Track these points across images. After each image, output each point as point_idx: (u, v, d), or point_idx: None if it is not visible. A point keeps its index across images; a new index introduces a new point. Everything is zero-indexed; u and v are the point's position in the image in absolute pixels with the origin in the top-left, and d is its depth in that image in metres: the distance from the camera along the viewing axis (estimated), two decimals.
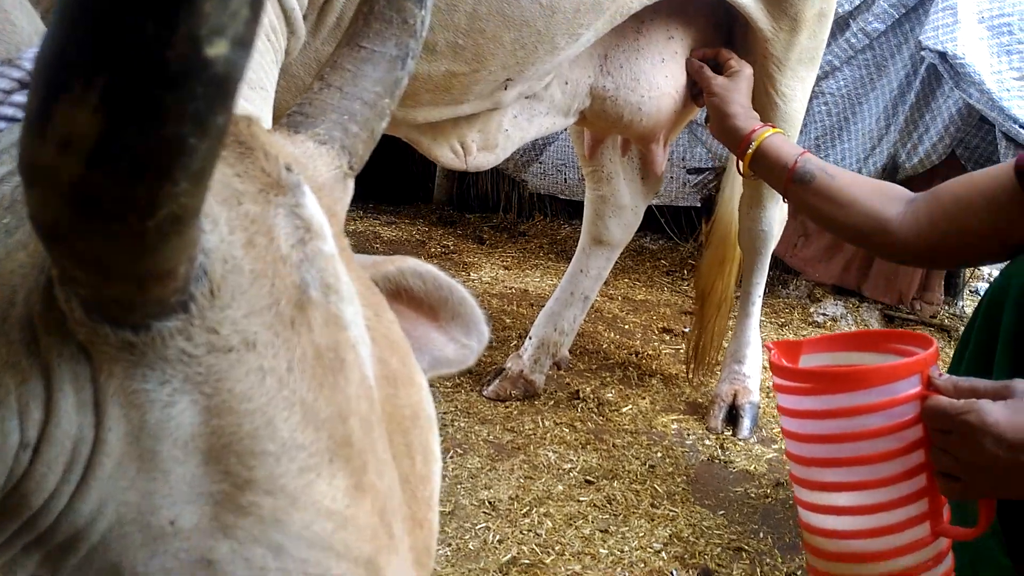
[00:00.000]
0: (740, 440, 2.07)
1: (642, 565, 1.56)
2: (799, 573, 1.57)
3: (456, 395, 2.20)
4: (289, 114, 0.62)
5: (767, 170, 1.43)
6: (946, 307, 3.12)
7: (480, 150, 1.40)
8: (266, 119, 0.96)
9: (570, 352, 2.41)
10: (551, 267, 3.48)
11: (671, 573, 1.55)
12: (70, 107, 0.30)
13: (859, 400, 0.94)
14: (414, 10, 0.66)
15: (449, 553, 1.55)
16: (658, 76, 1.58)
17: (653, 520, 1.71)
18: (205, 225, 0.42)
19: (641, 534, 1.66)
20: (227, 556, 0.42)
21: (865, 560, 0.99)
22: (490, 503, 1.72)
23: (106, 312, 0.38)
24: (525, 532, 1.63)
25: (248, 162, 0.49)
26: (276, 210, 0.48)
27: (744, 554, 1.63)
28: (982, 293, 3.37)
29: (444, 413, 2.10)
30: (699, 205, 3.54)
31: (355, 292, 0.54)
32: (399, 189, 4.43)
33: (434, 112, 1.19)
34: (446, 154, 1.36)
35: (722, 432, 2.10)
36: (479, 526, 1.64)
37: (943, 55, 2.61)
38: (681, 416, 2.18)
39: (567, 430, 2.05)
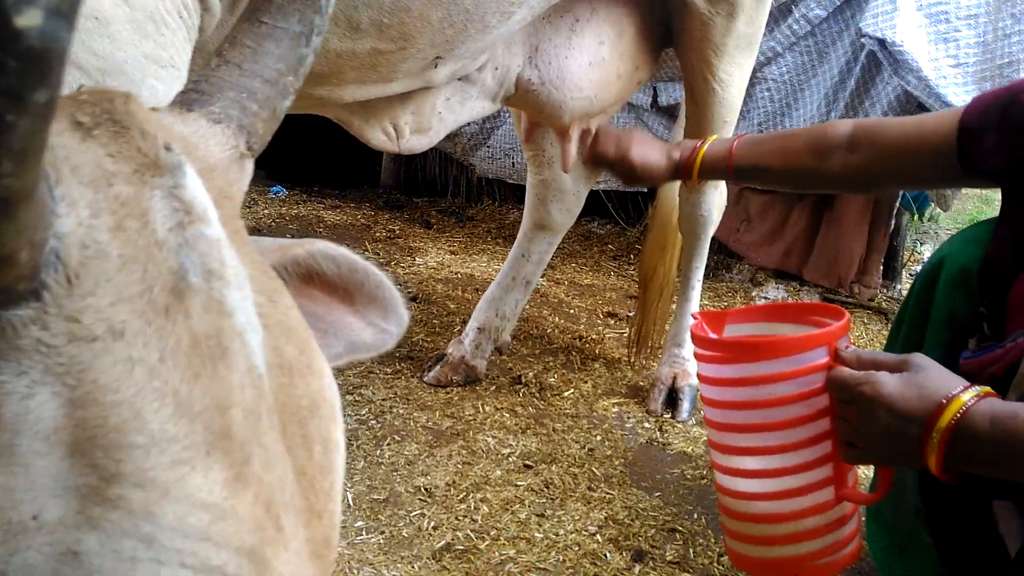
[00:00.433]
0: (679, 422, 2.10)
1: (576, 548, 1.57)
2: None
3: (396, 381, 2.18)
4: (182, 92, 0.59)
5: (716, 179, 1.46)
6: (884, 290, 3.19)
7: (413, 132, 1.38)
8: None
9: (514, 337, 2.41)
10: (498, 252, 3.47)
11: (605, 555, 1.56)
12: None
13: (770, 369, 0.98)
14: None
15: (382, 541, 1.54)
16: (583, 79, 1.59)
17: (589, 503, 1.72)
18: (59, 208, 0.39)
19: (577, 517, 1.67)
20: (94, 548, 0.40)
21: (771, 521, 1.04)
22: (426, 490, 1.71)
23: None
24: (460, 518, 1.63)
25: (122, 141, 0.47)
26: (152, 192, 0.46)
27: (678, 535, 1.65)
28: None
29: (383, 400, 2.08)
30: (645, 190, 3.55)
31: (245, 277, 0.52)
32: (344, 172, 4.36)
33: (361, 91, 1.17)
34: (378, 136, 1.34)
35: (662, 415, 2.12)
36: (414, 513, 1.63)
37: (882, 42, 2.65)
38: (622, 399, 2.19)
39: (507, 415, 2.05)
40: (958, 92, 2.54)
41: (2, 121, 0.29)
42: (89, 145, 0.45)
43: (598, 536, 1.61)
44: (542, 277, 2.90)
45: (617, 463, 1.89)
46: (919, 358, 0.93)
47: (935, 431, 0.88)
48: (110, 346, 0.41)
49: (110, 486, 0.41)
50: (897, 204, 3.05)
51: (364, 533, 1.57)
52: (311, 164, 4.36)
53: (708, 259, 2.33)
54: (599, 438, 1.99)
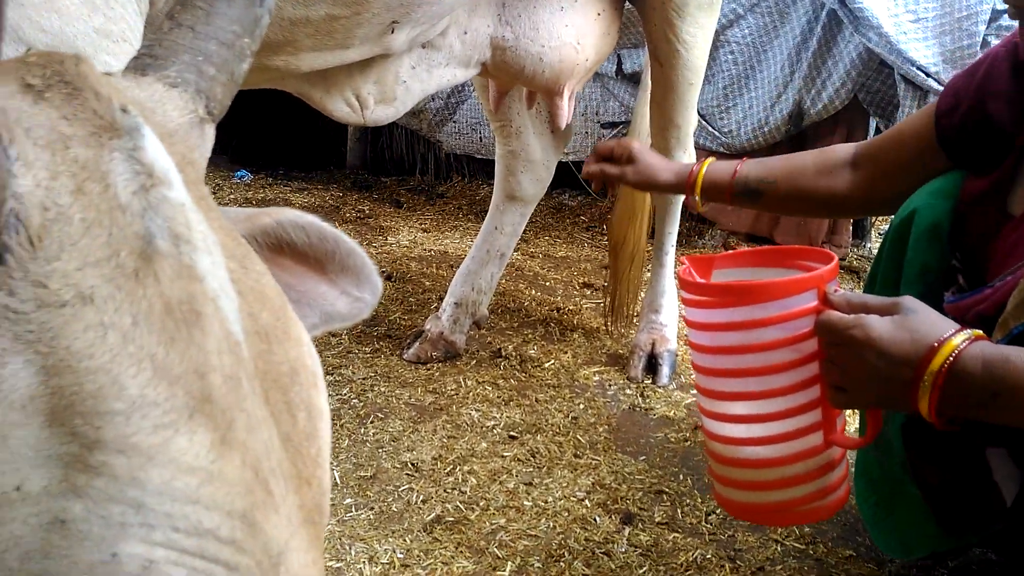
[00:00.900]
0: (660, 388, 2.11)
1: (566, 514, 1.58)
2: (717, 512, 1.61)
3: (376, 360, 2.17)
4: (135, 57, 0.57)
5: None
6: (854, 249, 3.22)
7: (378, 103, 1.36)
8: None
9: (492, 311, 2.40)
10: (471, 228, 3.45)
11: (594, 520, 1.57)
12: None
13: (758, 313, 0.97)
14: None
15: (372, 516, 1.54)
16: (558, 25, 1.55)
17: (576, 470, 1.73)
18: (14, 168, 0.38)
19: (564, 484, 1.67)
20: (81, 515, 0.39)
21: (759, 466, 1.04)
22: (413, 464, 1.71)
23: None
24: (449, 491, 1.63)
25: (76, 104, 0.45)
26: (111, 155, 0.45)
27: (665, 496, 1.66)
28: None
29: (364, 378, 2.07)
30: None
31: (215, 243, 0.51)
32: (310, 154, 4.31)
33: (319, 59, 1.15)
34: (340, 107, 1.31)
35: (642, 381, 2.13)
36: (402, 488, 1.63)
37: (842, 0, 2.66)
38: (603, 368, 2.20)
39: (490, 388, 2.05)
40: (919, 47, 2.56)
41: None
42: (42, 108, 0.44)
43: (586, 501, 1.62)
44: (516, 251, 2.90)
45: (601, 430, 1.90)
46: (910, 300, 0.92)
47: (927, 374, 0.87)
48: (80, 312, 0.40)
49: (92, 453, 0.40)
50: None
51: (354, 510, 1.57)
52: (275, 147, 4.31)
53: (680, 225, 2.34)
54: (582, 406, 2.00)
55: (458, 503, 1.59)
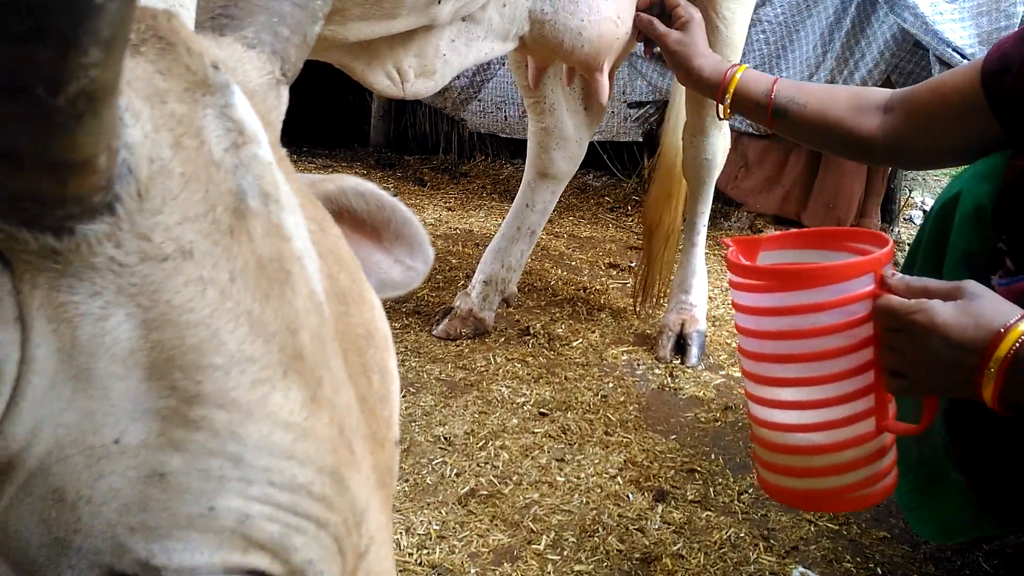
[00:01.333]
0: (688, 368, 2.10)
1: (599, 490, 1.59)
2: (750, 491, 1.61)
3: (405, 335, 2.18)
4: (213, 16, 0.57)
5: (746, 111, 1.42)
6: (883, 232, 3.19)
7: (418, 76, 1.35)
8: None
9: (518, 290, 2.40)
10: (495, 207, 3.45)
11: (627, 496, 1.57)
12: None
13: (812, 298, 0.95)
14: None
15: (407, 488, 1.55)
16: None
17: (607, 447, 1.73)
18: (126, 117, 0.38)
19: (596, 461, 1.68)
20: (181, 468, 0.40)
21: (810, 453, 1.02)
22: (445, 439, 1.71)
23: (23, 212, 0.35)
24: (482, 465, 1.64)
25: (170, 59, 0.45)
26: (204, 111, 0.45)
27: (697, 475, 1.66)
28: (916, 220, 3.45)
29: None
30: (641, 140, 3.53)
31: (297, 204, 0.51)
32: (333, 131, 4.31)
33: (366, 28, 1.14)
34: (382, 80, 1.31)
35: (671, 361, 2.13)
36: (436, 461, 1.64)
37: None
38: (631, 347, 2.20)
39: (519, 365, 2.05)
40: (955, 28, 2.52)
41: (90, 3, 0.27)
42: (138, 62, 0.44)
43: (619, 478, 1.63)
44: (541, 231, 2.89)
45: (631, 408, 1.90)
46: (973, 285, 0.90)
47: (992, 361, 0.85)
48: (181, 266, 0.40)
49: (192, 407, 0.40)
50: None
51: None
52: (299, 124, 4.30)
53: None
54: (611, 385, 2.00)
55: (491, 477, 1.60)
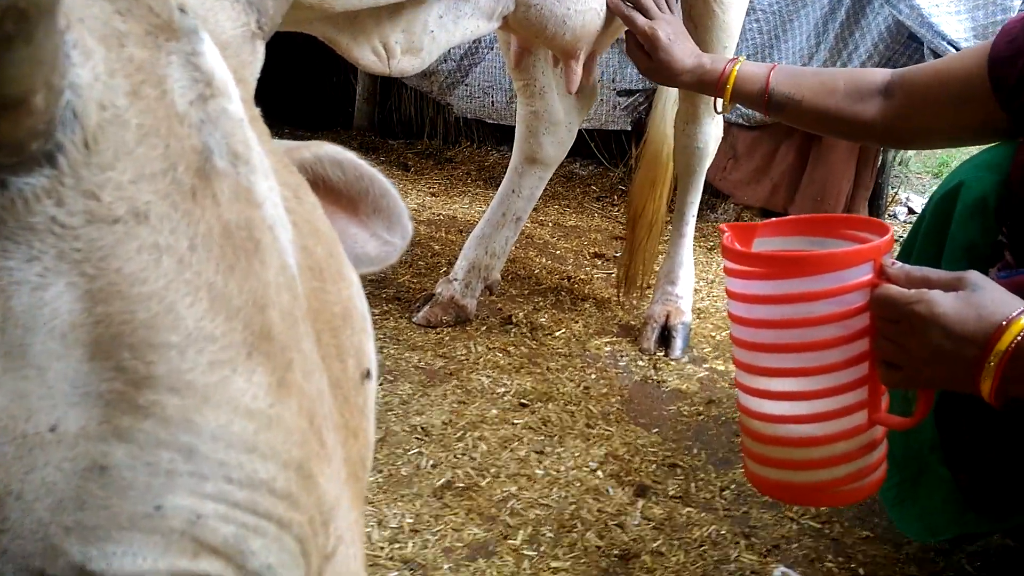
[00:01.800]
0: (672, 360, 2.07)
1: (578, 484, 1.55)
2: (732, 487, 1.59)
3: (385, 322, 2.13)
4: None
5: (744, 104, 1.40)
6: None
7: (404, 53, 1.30)
8: None
9: (502, 278, 2.36)
10: (479, 194, 3.40)
11: (607, 491, 1.54)
12: None
13: (809, 286, 0.92)
14: None
15: (381, 480, 1.51)
16: None
17: (588, 440, 1.70)
18: (74, 55, 0.33)
19: (576, 454, 1.64)
20: (125, 461, 0.35)
21: (800, 445, 0.99)
22: (423, 429, 1.67)
23: None
24: (459, 456, 1.60)
25: None
26: (168, 58, 0.40)
27: (679, 470, 1.63)
28: (900, 217, 3.43)
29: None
30: (629, 129, 3.49)
31: (270, 167, 0.46)
32: (316, 113, 4.23)
33: None
34: (367, 56, 1.26)
35: (655, 353, 2.10)
36: (411, 452, 1.59)
37: None
38: (614, 339, 2.16)
39: (500, 355, 2.01)
40: (951, 21, 2.50)
41: None
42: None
43: (599, 472, 1.59)
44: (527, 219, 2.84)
45: (613, 401, 1.86)
46: (975, 275, 0.88)
47: (993, 354, 0.83)
48: (133, 230, 0.36)
49: (140, 391, 0.35)
50: None
51: None
52: (280, 103, 4.22)
53: None
54: (593, 376, 1.96)
55: (468, 469, 1.56)
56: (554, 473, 1.58)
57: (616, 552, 1.38)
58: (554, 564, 1.34)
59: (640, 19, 1.47)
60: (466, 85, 3.69)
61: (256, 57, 0.54)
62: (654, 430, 1.77)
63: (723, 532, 1.45)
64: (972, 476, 1.14)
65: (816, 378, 0.95)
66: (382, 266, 0.70)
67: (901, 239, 2.80)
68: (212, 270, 0.38)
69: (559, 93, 2.02)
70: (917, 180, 4.09)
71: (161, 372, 0.36)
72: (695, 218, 2.22)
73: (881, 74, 1.27)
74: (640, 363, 2.05)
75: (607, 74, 3.37)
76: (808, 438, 0.98)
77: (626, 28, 1.52)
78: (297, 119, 4.23)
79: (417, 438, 1.65)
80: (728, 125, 3.05)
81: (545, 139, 2.07)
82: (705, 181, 2.23)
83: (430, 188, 3.43)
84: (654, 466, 1.64)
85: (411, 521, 1.41)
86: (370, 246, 0.69)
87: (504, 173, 2.23)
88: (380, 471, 1.53)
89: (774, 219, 1.12)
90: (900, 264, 0.94)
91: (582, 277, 2.55)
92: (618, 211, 3.27)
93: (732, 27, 1.79)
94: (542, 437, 1.70)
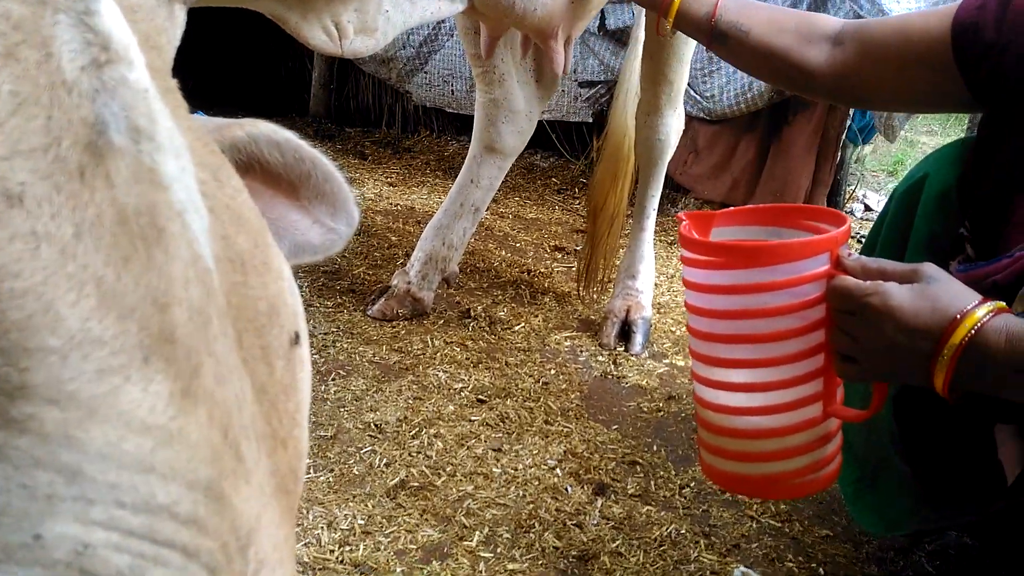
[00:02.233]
0: (632, 356, 2.05)
1: (536, 483, 1.51)
2: (692, 484, 1.56)
3: (338, 315, 2.06)
4: None
5: (688, 30, 1.31)
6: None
7: (357, 33, 1.24)
8: None
9: (461, 270, 2.31)
10: (438, 184, 3.34)
11: (566, 489, 1.50)
12: None
13: (766, 277, 0.90)
14: None
15: (332, 479, 1.45)
16: None
17: (547, 437, 1.66)
18: None
19: (535, 451, 1.60)
20: None
21: (756, 436, 0.97)
22: (376, 426, 1.62)
23: None
24: (414, 454, 1.55)
25: None
26: (56, 16, 0.34)
27: (638, 467, 1.60)
28: (857, 214, 3.45)
29: (325, 334, 1.96)
30: (591, 120, 3.46)
31: (184, 145, 0.41)
32: (271, 99, 4.13)
33: None
34: (318, 35, 1.19)
35: (615, 348, 2.07)
36: (364, 450, 1.54)
37: None
38: (574, 333, 2.13)
39: (458, 349, 1.96)
40: None
41: None
42: None
43: (558, 470, 1.56)
44: (485, 210, 2.80)
45: (573, 397, 1.83)
46: (931, 268, 0.86)
47: (947, 348, 0.81)
48: (5, 215, 0.30)
49: (14, 403, 0.30)
50: (843, 136, 3.03)
51: (312, 472, 1.47)
52: (234, 89, 4.11)
53: None
54: (553, 372, 1.92)
55: (423, 468, 1.51)
56: (512, 471, 1.54)
57: (574, 553, 1.34)
58: (511, 566, 1.30)
59: None
60: (425, 72, 3.63)
61: (174, 23, 0.49)
62: (614, 427, 1.74)
63: (683, 531, 1.43)
64: (929, 470, 1.13)
65: (772, 369, 0.93)
66: (326, 255, 0.65)
67: (858, 235, 2.82)
68: (102, 262, 0.33)
69: (519, 81, 1.98)
70: (873, 178, 4.13)
71: (38, 381, 0.31)
72: (656, 212, 2.20)
73: (834, 22, 1.21)
74: (600, 358, 2.02)
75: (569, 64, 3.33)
76: (763, 430, 0.96)
77: None
78: (251, 105, 4.13)
79: (371, 435, 1.59)
80: (689, 119, 3.04)
81: (504, 128, 2.02)
82: (666, 175, 2.20)
83: (387, 178, 3.36)
84: (613, 464, 1.61)
85: (363, 522, 1.36)
86: (312, 233, 0.64)
87: (463, 164, 2.17)
88: (331, 470, 1.48)
89: (732, 208, 1.09)
90: (857, 255, 0.92)
91: (542, 270, 2.51)
92: (579, 204, 3.24)
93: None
94: (500, 434, 1.65)
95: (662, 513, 1.47)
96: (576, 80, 3.36)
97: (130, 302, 0.33)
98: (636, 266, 2.16)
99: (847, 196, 3.36)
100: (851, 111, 2.95)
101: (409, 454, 1.55)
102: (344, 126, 4.07)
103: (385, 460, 1.52)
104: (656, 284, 2.34)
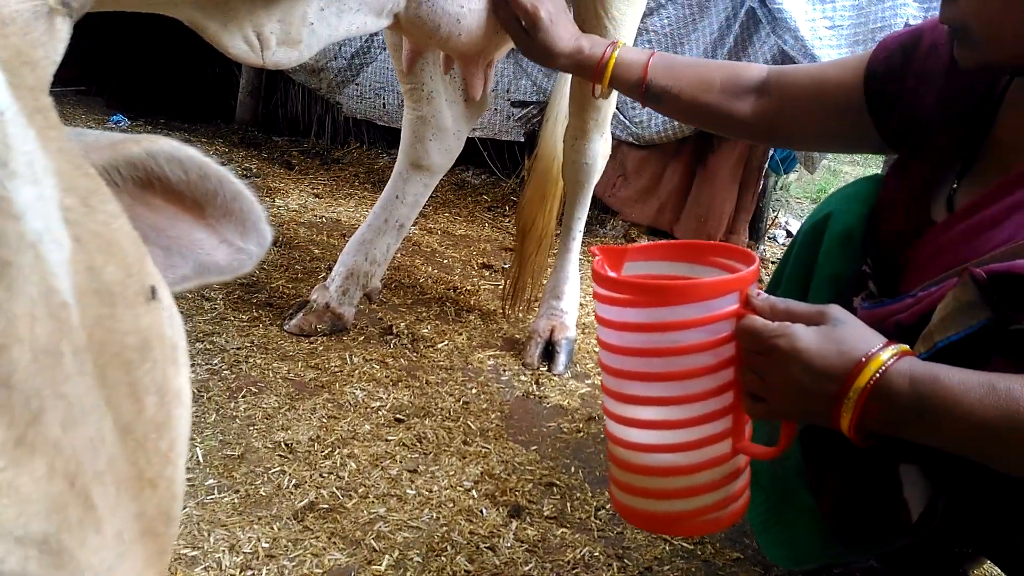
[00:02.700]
0: (555, 376, 2.05)
1: (451, 505, 1.49)
2: (607, 507, 1.57)
3: (253, 329, 2.01)
4: None
5: (621, 91, 1.36)
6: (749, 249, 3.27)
7: (280, 44, 1.21)
8: None
9: (385, 286, 2.28)
10: (367, 197, 3.29)
11: (481, 512, 1.49)
12: None
13: (677, 315, 0.90)
14: None
15: (236, 500, 1.40)
16: None
17: (465, 458, 1.64)
18: None
19: (451, 473, 1.58)
20: None
21: (665, 474, 0.97)
22: (287, 445, 1.57)
23: None
24: (325, 475, 1.51)
25: None
26: None
27: (555, 489, 1.60)
28: (779, 240, 3.54)
29: (238, 348, 1.91)
30: (522, 140, 3.47)
31: (48, 170, 0.38)
32: (196, 104, 4.02)
33: None
34: (238, 45, 1.16)
35: (538, 368, 2.07)
36: (272, 470, 1.49)
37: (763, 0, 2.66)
38: (498, 352, 2.12)
39: (378, 367, 1.93)
40: (831, 55, 2.60)
41: None
42: None
43: (473, 492, 1.54)
44: (414, 225, 2.77)
45: (493, 417, 1.81)
46: (836, 310, 0.88)
47: (852, 390, 0.83)
48: None
49: None
50: (766, 166, 3.11)
51: (216, 492, 1.42)
52: (158, 93, 3.99)
53: None
54: (474, 391, 1.91)
55: (334, 489, 1.48)
56: (426, 493, 1.51)
57: None
58: None
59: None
60: (356, 84, 3.58)
61: (55, 36, 0.46)
62: (533, 447, 1.73)
63: (596, 554, 1.43)
64: (834, 504, 1.15)
65: (681, 407, 0.93)
66: (235, 275, 0.62)
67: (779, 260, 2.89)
68: None
69: (448, 99, 1.97)
70: (797, 205, 4.26)
71: None
72: (582, 233, 2.21)
73: (758, 70, 1.27)
74: (523, 378, 2.02)
75: (502, 84, 3.35)
76: (672, 467, 0.96)
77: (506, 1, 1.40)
78: (175, 109, 4.01)
79: (280, 455, 1.55)
80: (618, 143, 3.09)
81: (432, 145, 2.01)
82: (594, 197, 2.22)
83: (314, 189, 3.30)
84: (530, 485, 1.60)
85: (267, 545, 1.31)
86: (219, 254, 0.61)
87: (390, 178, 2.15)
88: (236, 491, 1.43)
89: (644, 244, 1.10)
90: (765, 295, 0.93)
91: (469, 288, 2.50)
92: (509, 221, 3.24)
93: (626, 42, 1.78)
94: (416, 455, 1.63)
95: (576, 535, 1.47)
96: (508, 99, 3.37)
97: None
98: (561, 287, 2.17)
99: (770, 223, 3.44)
100: None
101: (320, 475, 1.51)
102: (271, 135, 3.99)
103: (294, 481, 1.47)
104: (581, 305, 2.36)
